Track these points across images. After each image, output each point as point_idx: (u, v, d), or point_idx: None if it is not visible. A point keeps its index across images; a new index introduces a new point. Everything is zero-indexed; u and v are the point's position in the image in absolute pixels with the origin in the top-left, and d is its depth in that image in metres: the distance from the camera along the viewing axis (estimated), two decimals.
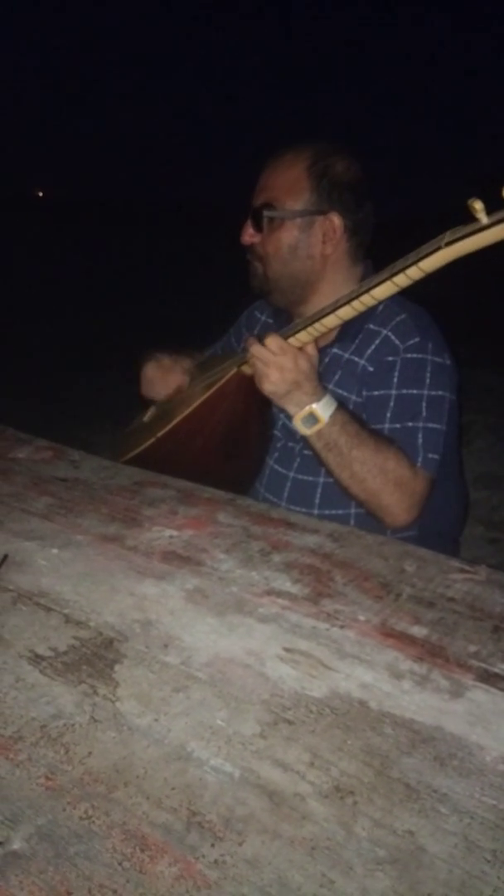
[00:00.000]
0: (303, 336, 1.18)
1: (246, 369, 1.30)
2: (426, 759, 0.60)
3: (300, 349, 1.18)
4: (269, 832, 0.53)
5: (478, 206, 0.93)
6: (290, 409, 1.19)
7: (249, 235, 1.30)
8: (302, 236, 1.27)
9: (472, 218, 0.95)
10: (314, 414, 1.17)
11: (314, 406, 1.17)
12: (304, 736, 0.62)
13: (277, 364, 1.15)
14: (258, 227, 1.29)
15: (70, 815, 0.54)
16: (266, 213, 1.27)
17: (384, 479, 1.17)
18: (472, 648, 0.74)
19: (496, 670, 0.71)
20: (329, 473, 1.22)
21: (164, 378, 1.46)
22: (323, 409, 1.17)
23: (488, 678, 0.69)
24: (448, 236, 0.98)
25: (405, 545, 0.97)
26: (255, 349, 1.17)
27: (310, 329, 1.17)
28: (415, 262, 1.02)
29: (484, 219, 0.93)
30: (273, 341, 1.16)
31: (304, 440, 1.27)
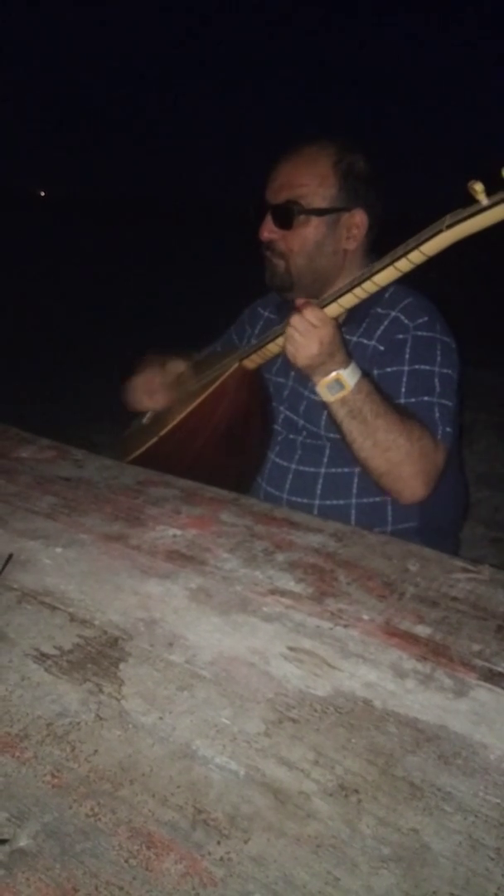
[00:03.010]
0: None
1: (248, 363, 1.30)
2: (430, 757, 0.60)
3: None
4: (275, 830, 0.53)
5: (478, 187, 0.93)
6: (316, 376, 1.18)
7: (270, 231, 1.29)
8: (328, 233, 1.27)
9: (472, 200, 0.95)
10: (340, 380, 1.16)
11: (341, 372, 1.16)
12: (309, 734, 0.62)
13: (318, 335, 1.14)
14: (282, 224, 1.28)
15: (76, 813, 0.55)
16: (293, 210, 1.26)
17: (409, 449, 1.16)
18: (476, 647, 0.74)
19: (500, 669, 0.71)
20: (349, 445, 1.20)
21: (145, 397, 1.47)
22: (349, 375, 1.16)
23: (492, 677, 0.70)
24: (448, 219, 0.99)
25: (408, 544, 0.97)
26: (297, 320, 1.15)
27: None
28: (416, 247, 1.03)
29: (484, 200, 0.93)
30: (313, 313, 1.14)
31: (309, 422, 1.26)
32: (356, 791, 0.57)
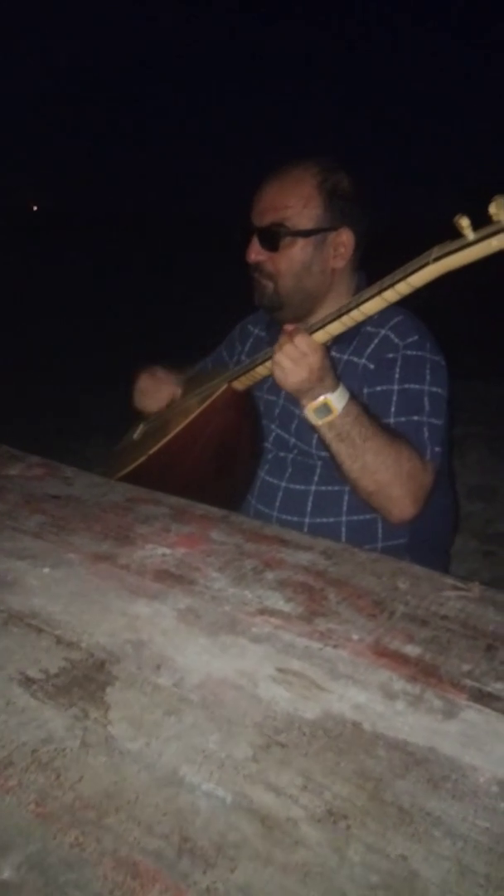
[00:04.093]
0: None
1: (237, 385, 1.30)
2: (419, 781, 0.59)
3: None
4: (262, 858, 0.53)
5: (464, 222, 0.94)
6: (304, 400, 1.19)
7: (257, 253, 1.30)
8: (315, 253, 1.28)
9: (458, 234, 0.96)
10: (328, 404, 1.17)
11: (329, 396, 1.16)
12: (297, 759, 0.61)
13: (307, 363, 1.15)
14: (269, 246, 1.28)
15: (60, 843, 0.54)
16: (279, 232, 1.26)
17: (397, 470, 1.17)
18: (466, 667, 0.74)
19: (489, 689, 0.70)
20: (339, 467, 1.21)
21: (156, 390, 1.47)
22: (337, 399, 1.17)
23: (482, 697, 0.69)
24: (436, 252, 0.99)
25: (398, 562, 0.97)
26: (287, 347, 1.16)
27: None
28: (403, 278, 1.03)
29: (470, 235, 0.95)
30: (303, 340, 1.15)
31: (301, 440, 1.27)
32: (345, 817, 0.56)
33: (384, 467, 1.16)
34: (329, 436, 1.18)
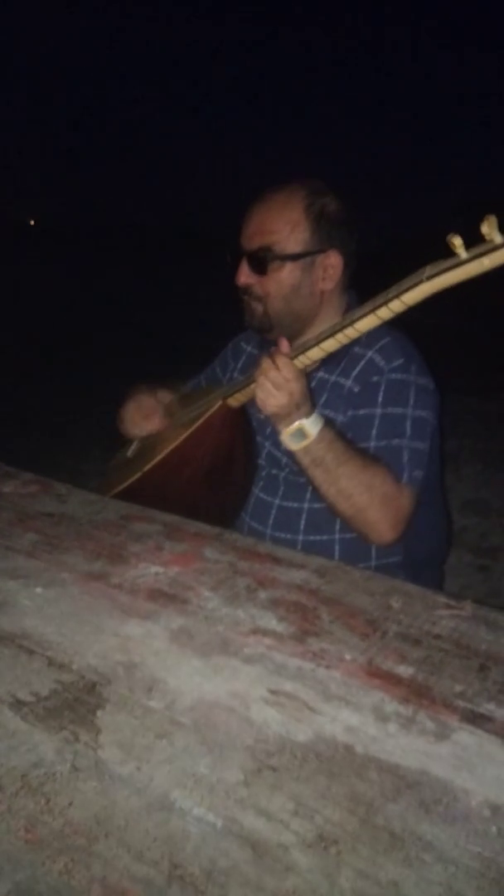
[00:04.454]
0: None
1: (232, 402, 1.30)
2: (411, 805, 0.59)
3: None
4: (252, 885, 0.52)
5: (457, 241, 0.95)
6: (280, 425, 1.21)
7: (246, 277, 1.31)
8: (304, 276, 1.29)
9: (452, 252, 0.97)
10: (303, 430, 1.18)
11: (304, 422, 1.18)
12: (289, 783, 0.61)
13: (289, 389, 1.16)
14: (257, 269, 1.29)
15: (49, 870, 0.53)
16: (267, 256, 1.27)
17: (371, 496, 1.18)
18: (458, 688, 0.74)
19: (482, 710, 0.70)
20: (316, 490, 1.23)
21: (139, 419, 1.47)
22: (311, 425, 1.19)
23: (474, 719, 0.69)
24: (429, 270, 1.00)
25: (392, 580, 0.97)
26: (271, 374, 1.17)
27: (294, 361, 1.18)
28: (396, 296, 1.04)
29: (463, 254, 0.95)
30: (287, 367, 1.17)
31: (291, 458, 1.27)
32: (336, 842, 0.56)
33: (358, 492, 1.18)
34: (305, 461, 1.20)
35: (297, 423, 1.18)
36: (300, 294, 1.30)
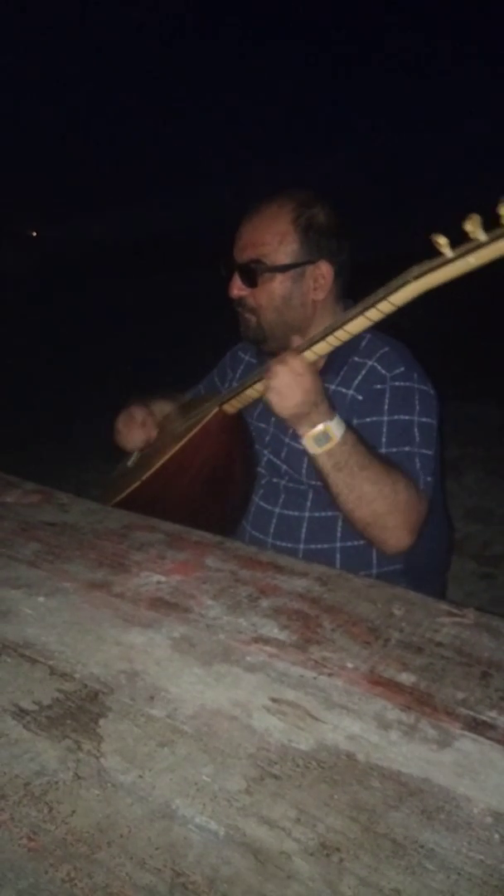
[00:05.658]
0: None
1: (228, 408, 1.31)
2: (413, 813, 0.59)
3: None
4: (254, 892, 0.52)
5: (441, 241, 0.96)
6: (302, 428, 1.18)
7: (238, 289, 1.32)
8: (294, 286, 1.30)
9: (437, 252, 0.98)
10: (327, 432, 1.16)
11: (329, 424, 1.16)
12: (291, 791, 0.61)
13: (301, 384, 1.15)
14: (248, 282, 1.30)
15: (52, 878, 0.53)
16: (257, 268, 1.29)
17: (394, 500, 1.17)
18: (461, 696, 0.74)
19: (483, 718, 0.70)
20: (335, 496, 1.20)
21: (130, 431, 1.48)
22: (336, 427, 1.17)
23: (476, 726, 0.69)
24: (416, 270, 1.01)
25: (393, 588, 0.97)
26: (279, 369, 1.16)
27: None
28: (385, 297, 1.05)
29: (448, 253, 0.96)
30: (296, 360, 1.16)
31: (291, 466, 1.27)
32: (338, 850, 0.56)
33: (381, 497, 1.16)
34: (327, 465, 1.18)
35: (321, 426, 1.16)
36: (291, 305, 1.31)
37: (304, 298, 1.31)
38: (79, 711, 0.71)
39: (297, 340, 1.33)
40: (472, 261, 0.95)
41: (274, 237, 1.29)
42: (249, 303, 1.32)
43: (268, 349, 1.37)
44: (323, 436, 1.16)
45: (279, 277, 1.29)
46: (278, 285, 1.29)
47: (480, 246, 0.94)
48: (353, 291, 1.40)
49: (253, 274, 1.29)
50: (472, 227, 0.93)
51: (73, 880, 0.53)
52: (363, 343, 1.30)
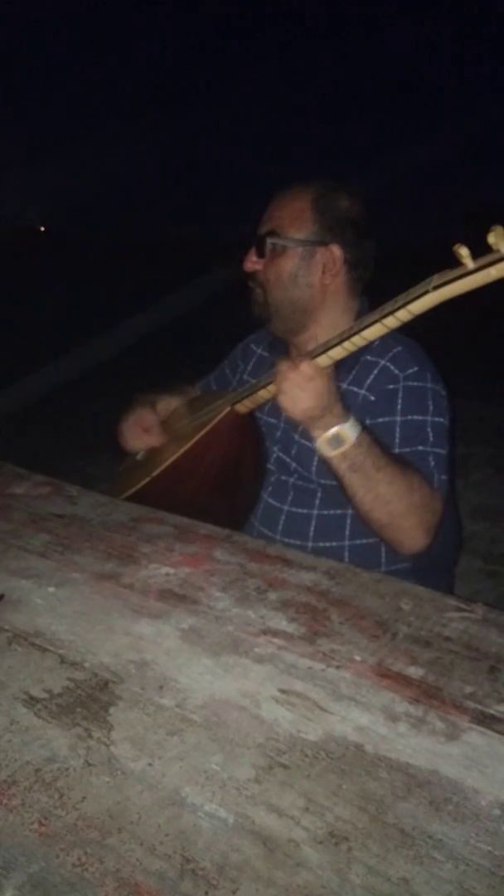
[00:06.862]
0: None
1: (240, 408, 1.31)
2: (421, 803, 0.59)
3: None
4: (263, 880, 0.53)
5: (463, 252, 0.95)
6: (316, 431, 1.17)
7: (252, 262, 1.34)
8: (302, 264, 1.30)
9: (458, 262, 0.98)
10: (341, 435, 1.15)
11: (343, 427, 1.15)
12: (299, 780, 0.62)
13: (313, 388, 1.14)
14: (261, 254, 1.32)
15: (63, 863, 0.54)
16: (270, 240, 1.31)
17: (410, 500, 1.16)
18: (469, 689, 0.74)
19: (492, 711, 0.70)
20: (350, 498, 1.19)
21: (141, 435, 1.48)
22: (350, 429, 1.16)
23: (484, 720, 0.69)
24: (436, 280, 1.01)
25: (401, 583, 0.97)
26: (291, 374, 1.15)
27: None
28: (403, 305, 1.05)
29: (470, 264, 0.96)
30: (307, 365, 1.15)
31: (300, 464, 1.27)
32: (346, 839, 0.56)
33: (397, 497, 1.15)
34: (342, 467, 1.17)
35: (334, 429, 1.15)
36: (297, 283, 1.31)
37: (311, 279, 1.31)
38: (89, 700, 0.72)
39: (302, 323, 1.33)
40: (494, 273, 0.94)
41: (291, 213, 1.32)
42: (260, 277, 1.34)
43: (273, 330, 1.38)
44: (336, 439, 1.16)
45: (289, 252, 1.30)
46: (287, 260, 1.31)
47: (503, 259, 0.93)
48: (369, 289, 1.40)
49: (264, 244, 1.32)
50: (496, 239, 0.93)
51: (84, 865, 0.54)
52: (376, 342, 1.29)
